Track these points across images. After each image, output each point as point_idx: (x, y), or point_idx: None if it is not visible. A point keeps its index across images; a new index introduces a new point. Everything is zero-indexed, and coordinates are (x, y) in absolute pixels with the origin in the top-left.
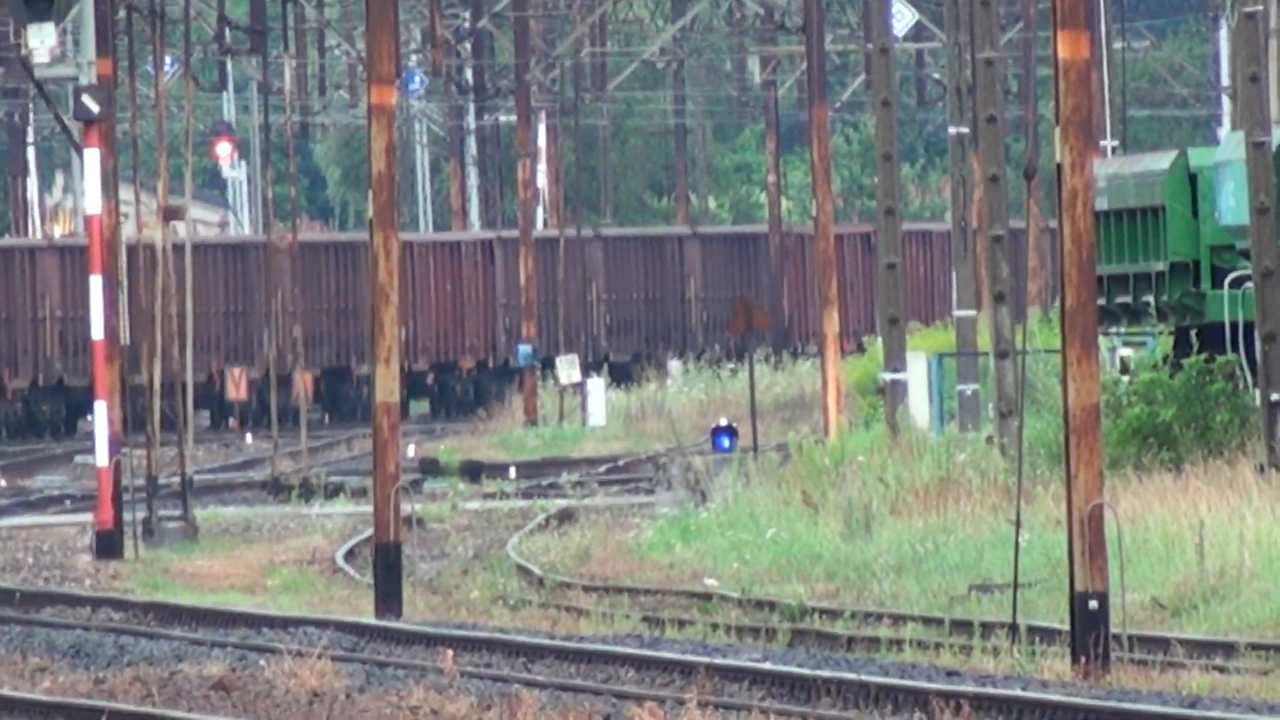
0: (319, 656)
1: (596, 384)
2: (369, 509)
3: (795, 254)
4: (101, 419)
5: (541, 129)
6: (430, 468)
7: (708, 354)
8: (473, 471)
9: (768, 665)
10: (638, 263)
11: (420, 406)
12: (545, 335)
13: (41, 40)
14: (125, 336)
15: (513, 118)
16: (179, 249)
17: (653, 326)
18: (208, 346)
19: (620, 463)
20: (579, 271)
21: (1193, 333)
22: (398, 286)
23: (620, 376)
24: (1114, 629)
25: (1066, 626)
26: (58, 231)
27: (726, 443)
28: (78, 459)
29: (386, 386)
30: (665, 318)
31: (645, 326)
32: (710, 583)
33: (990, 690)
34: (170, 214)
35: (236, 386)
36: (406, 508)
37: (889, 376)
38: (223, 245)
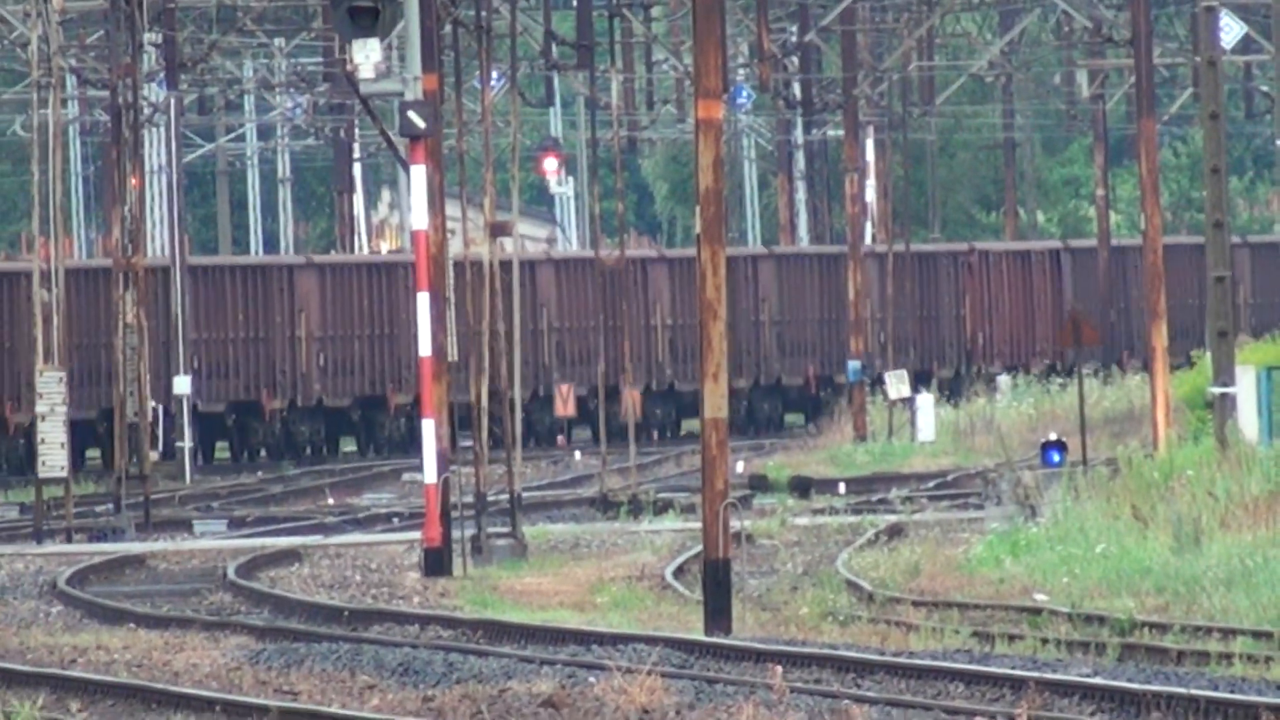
0: (648, 673)
1: (926, 399)
2: (698, 525)
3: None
4: (429, 436)
5: (869, 143)
6: (759, 484)
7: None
8: (802, 487)
9: (1098, 680)
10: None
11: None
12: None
13: (367, 56)
14: (453, 353)
15: (840, 132)
16: (506, 265)
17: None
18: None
19: (949, 478)
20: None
21: None
22: (725, 302)
23: (946, 392)
24: None
25: None
26: (384, 247)
27: (1056, 457)
28: (405, 476)
29: (714, 403)
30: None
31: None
32: (1040, 597)
33: None
34: (497, 230)
35: (564, 402)
36: (736, 524)
37: (1218, 390)
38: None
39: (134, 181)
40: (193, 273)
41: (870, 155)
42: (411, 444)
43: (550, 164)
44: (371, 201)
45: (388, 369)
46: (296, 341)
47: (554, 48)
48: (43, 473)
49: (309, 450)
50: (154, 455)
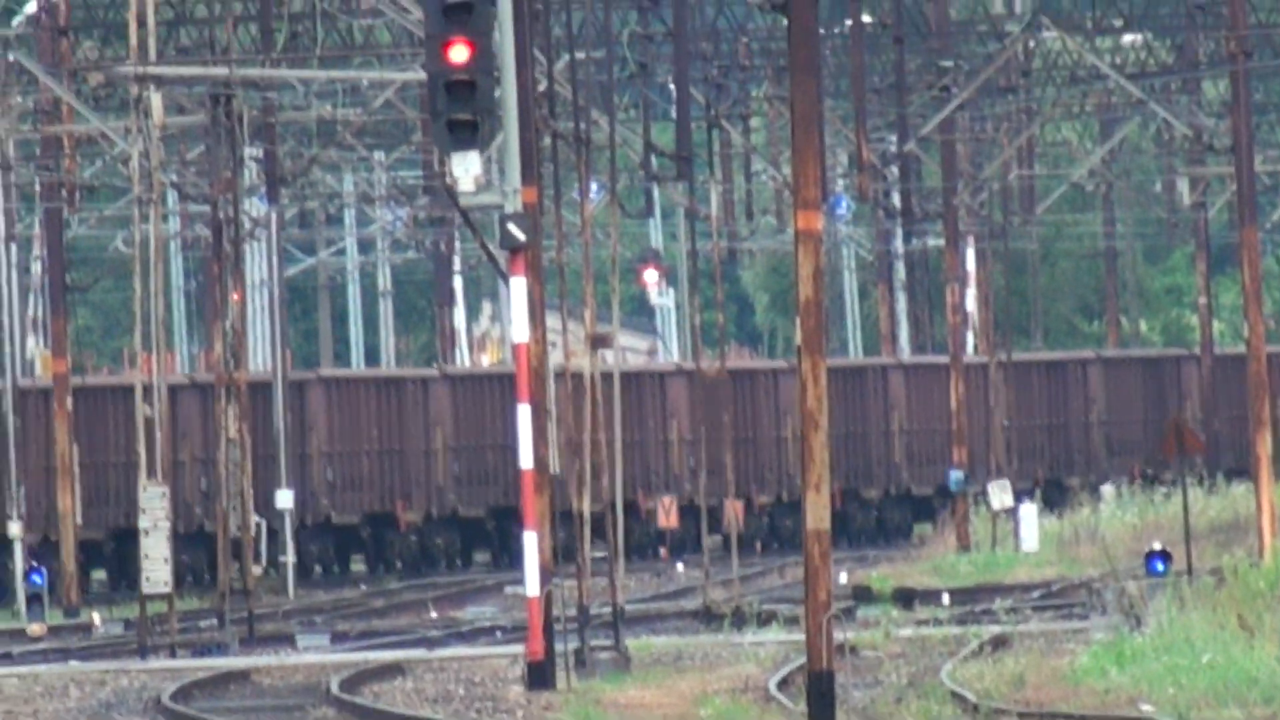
0: None
1: (1029, 509)
2: (801, 637)
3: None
4: (531, 549)
5: (970, 252)
6: (863, 594)
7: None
8: (905, 598)
9: None
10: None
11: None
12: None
13: (466, 169)
14: (555, 466)
15: (941, 241)
16: (607, 377)
17: (1055, 451)
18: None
19: (1054, 588)
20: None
21: None
22: (826, 413)
23: (1050, 502)
24: None
25: None
26: (485, 360)
27: (1160, 567)
28: (508, 589)
29: (817, 514)
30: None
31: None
32: (1146, 709)
33: None
34: (598, 341)
35: (666, 514)
36: (839, 635)
37: None
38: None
39: (235, 296)
40: (201, 390)
41: (971, 264)
42: (424, 561)
43: (650, 275)
44: (473, 314)
45: (397, 485)
46: (307, 458)
47: (653, 159)
48: (146, 588)
49: (319, 569)
50: (258, 569)
